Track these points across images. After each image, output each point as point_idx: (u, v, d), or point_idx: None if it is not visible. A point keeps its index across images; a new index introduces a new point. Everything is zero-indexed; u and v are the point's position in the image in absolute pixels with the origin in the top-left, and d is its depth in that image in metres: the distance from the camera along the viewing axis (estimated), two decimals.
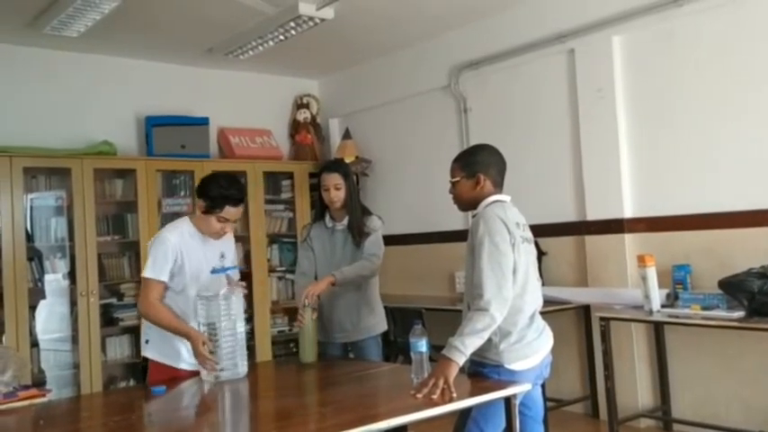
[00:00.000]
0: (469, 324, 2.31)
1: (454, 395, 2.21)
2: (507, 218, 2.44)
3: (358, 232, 3.27)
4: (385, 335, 3.46)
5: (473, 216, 2.56)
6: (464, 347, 2.29)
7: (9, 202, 4.51)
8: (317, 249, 3.36)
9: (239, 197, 2.82)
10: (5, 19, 4.38)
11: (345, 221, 3.31)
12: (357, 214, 3.30)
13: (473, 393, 2.29)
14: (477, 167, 2.54)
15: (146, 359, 2.88)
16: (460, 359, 2.29)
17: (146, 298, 2.75)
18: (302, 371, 2.94)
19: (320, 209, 3.40)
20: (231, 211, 2.79)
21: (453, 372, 2.27)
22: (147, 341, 2.85)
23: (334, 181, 3.26)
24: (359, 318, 3.29)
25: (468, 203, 2.59)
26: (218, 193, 2.76)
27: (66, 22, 4.28)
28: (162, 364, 2.80)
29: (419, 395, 2.22)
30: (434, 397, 2.20)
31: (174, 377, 2.76)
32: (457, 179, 2.58)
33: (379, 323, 3.39)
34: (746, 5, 3.66)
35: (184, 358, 2.78)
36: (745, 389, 3.70)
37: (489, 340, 2.41)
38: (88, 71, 5.17)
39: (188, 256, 2.78)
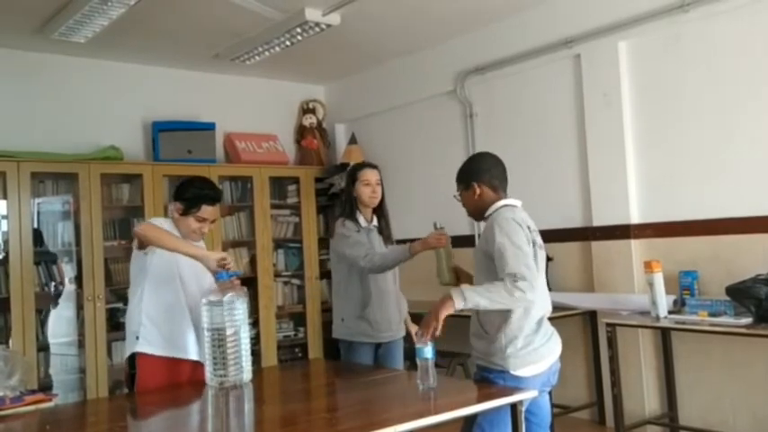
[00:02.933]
0: (489, 286, 2.34)
1: (438, 333, 2.32)
2: (520, 219, 2.46)
3: (387, 234, 3.40)
4: None
5: (485, 220, 2.58)
6: (467, 296, 2.31)
7: (17, 207, 4.53)
8: None
9: (215, 196, 2.86)
10: (14, 25, 4.41)
11: (375, 222, 3.40)
12: (387, 216, 3.44)
13: (479, 399, 2.29)
14: (470, 177, 2.59)
15: (133, 363, 2.78)
16: (459, 303, 2.32)
17: (143, 224, 2.74)
18: (307, 376, 2.94)
19: (350, 208, 3.39)
20: (208, 210, 2.83)
21: (446, 309, 2.34)
22: (137, 337, 2.74)
23: (376, 177, 3.35)
24: (400, 311, 3.42)
25: (475, 212, 2.63)
26: (194, 193, 2.82)
27: (73, 28, 4.31)
28: (162, 358, 2.74)
29: (419, 344, 2.35)
30: (426, 339, 2.33)
31: (175, 374, 2.74)
32: (458, 193, 2.66)
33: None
34: (753, 11, 3.65)
35: (192, 347, 2.78)
36: (753, 396, 3.68)
37: (495, 343, 2.42)
38: (95, 76, 5.19)
39: (163, 255, 2.77)
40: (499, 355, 2.43)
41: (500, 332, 2.43)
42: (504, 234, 2.38)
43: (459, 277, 2.82)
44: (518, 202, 2.58)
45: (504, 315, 2.42)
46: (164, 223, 2.84)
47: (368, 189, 3.31)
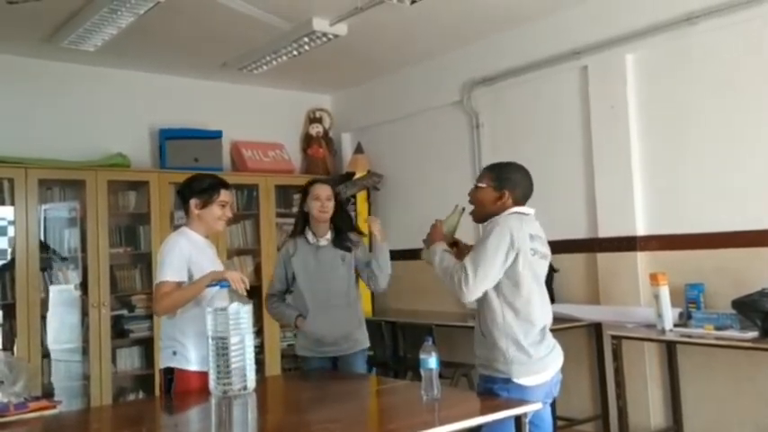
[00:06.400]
0: (451, 259, 2.55)
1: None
2: (521, 230, 2.47)
3: (346, 243, 3.39)
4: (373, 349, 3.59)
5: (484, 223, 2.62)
6: (436, 249, 2.61)
7: (24, 213, 4.55)
8: (297, 266, 3.42)
9: (225, 181, 3.01)
10: (24, 33, 4.45)
11: (329, 236, 3.40)
12: (344, 228, 3.44)
13: (484, 411, 2.28)
14: (507, 184, 2.58)
15: (167, 372, 2.82)
16: (435, 246, 2.63)
17: (158, 296, 2.77)
18: (310, 385, 2.93)
19: (302, 224, 3.47)
20: (226, 193, 2.97)
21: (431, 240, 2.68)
22: (174, 352, 2.80)
23: (326, 192, 3.38)
24: (351, 331, 3.36)
25: (484, 214, 2.62)
26: (209, 183, 2.95)
27: (83, 37, 4.34)
28: (197, 373, 2.75)
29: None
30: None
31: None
32: (483, 185, 2.61)
33: (366, 338, 3.47)
34: (760, 23, 3.65)
35: None
36: (758, 410, 3.65)
37: (496, 348, 2.45)
38: (104, 84, 5.22)
39: (197, 264, 2.83)
40: (501, 360, 2.44)
41: (500, 336, 2.46)
42: (495, 238, 2.44)
43: (458, 245, 2.80)
44: (531, 210, 2.60)
45: (500, 319, 2.46)
46: (179, 239, 2.87)
47: (317, 204, 3.35)
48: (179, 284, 2.78)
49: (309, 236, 3.42)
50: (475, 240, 2.60)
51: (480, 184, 2.61)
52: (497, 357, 2.45)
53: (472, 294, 2.44)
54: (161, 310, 2.80)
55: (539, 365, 2.46)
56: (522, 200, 2.59)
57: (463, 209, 2.73)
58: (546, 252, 2.60)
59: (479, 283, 2.42)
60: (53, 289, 4.79)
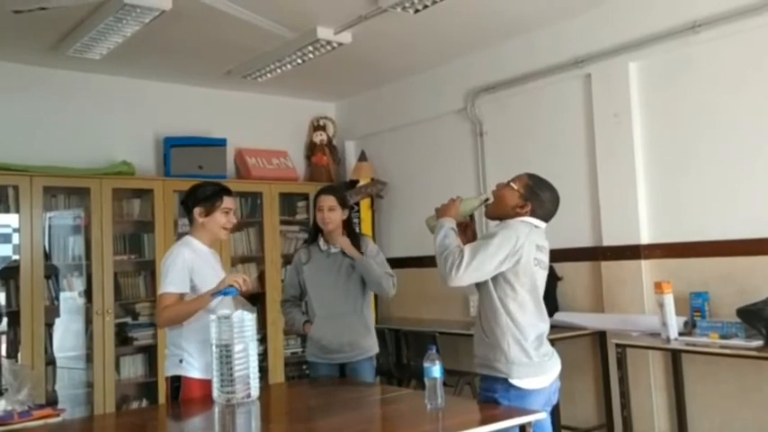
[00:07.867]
0: (455, 241, 2.53)
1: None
2: (529, 239, 2.50)
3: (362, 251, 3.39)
4: (377, 357, 3.55)
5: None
6: (444, 223, 2.59)
7: (28, 221, 4.56)
8: (308, 272, 3.46)
9: (228, 187, 3.03)
10: (30, 42, 4.48)
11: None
12: (355, 234, 3.49)
13: (488, 420, 2.27)
14: (535, 199, 2.61)
15: (174, 379, 2.83)
16: (443, 221, 2.61)
17: (160, 308, 2.79)
18: (314, 393, 2.92)
19: (314, 232, 3.52)
20: (229, 200, 2.98)
21: (442, 214, 2.66)
22: (180, 360, 2.81)
23: (328, 203, 3.39)
24: (357, 339, 3.38)
25: (499, 214, 2.66)
26: (211, 190, 2.96)
27: (89, 45, 4.36)
28: (204, 381, 2.75)
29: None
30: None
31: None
32: (515, 187, 2.63)
33: (374, 345, 3.48)
34: (764, 32, 3.64)
35: None
36: (764, 418, 3.63)
37: (497, 347, 2.47)
38: (109, 92, 5.25)
39: (200, 274, 2.84)
40: (502, 360, 2.46)
41: (502, 336, 2.48)
42: (501, 237, 2.47)
43: (467, 226, 2.81)
44: (542, 224, 2.63)
45: (503, 320, 2.48)
46: (182, 249, 2.87)
47: (320, 214, 3.39)
48: (181, 296, 2.78)
49: (321, 243, 3.46)
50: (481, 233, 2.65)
51: (513, 185, 2.64)
52: (498, 357, 2.47)
53: (459, 281, 2.45)
54: (162, 322, 2.82)
55: (538, 369, 2.48)
56: (541, 219, 2.64)
57: (486, 199, 2.75)
58: (548, 263, 2.65)
59: (470, 274, 2.44)
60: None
